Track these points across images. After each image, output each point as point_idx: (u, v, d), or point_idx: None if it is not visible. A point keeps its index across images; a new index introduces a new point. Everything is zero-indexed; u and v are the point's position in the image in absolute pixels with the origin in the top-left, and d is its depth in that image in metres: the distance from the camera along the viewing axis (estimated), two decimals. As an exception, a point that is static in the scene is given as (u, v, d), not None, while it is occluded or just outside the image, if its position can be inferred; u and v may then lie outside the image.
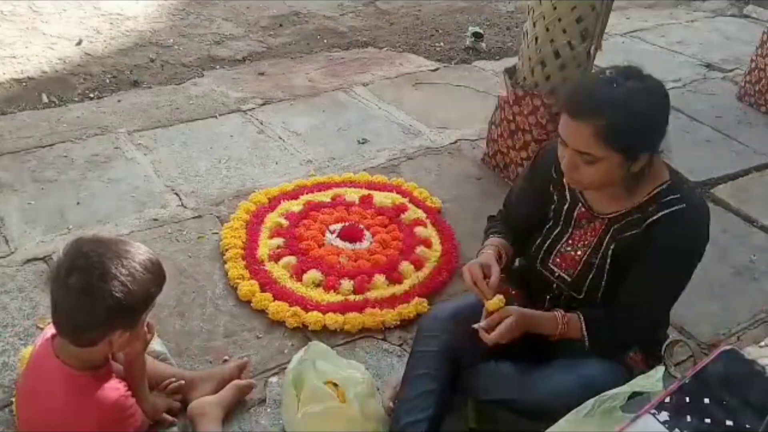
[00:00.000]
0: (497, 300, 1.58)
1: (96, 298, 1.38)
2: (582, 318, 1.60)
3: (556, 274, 1.69)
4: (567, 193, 1.66)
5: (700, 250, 1.56)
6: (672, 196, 1.52)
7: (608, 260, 1.60)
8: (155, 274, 1.49)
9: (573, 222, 1.66)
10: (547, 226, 1.72)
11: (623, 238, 1.57)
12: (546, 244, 1.71)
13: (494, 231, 1.81)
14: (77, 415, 1.48)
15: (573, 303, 1.67)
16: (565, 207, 1.67)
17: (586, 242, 1.64)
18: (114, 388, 1.53)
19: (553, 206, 1.70)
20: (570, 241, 1.67)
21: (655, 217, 1.51)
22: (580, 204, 1.64)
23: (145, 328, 1.57)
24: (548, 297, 1.73)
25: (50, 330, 1.56)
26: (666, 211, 1.51)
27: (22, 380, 1.64)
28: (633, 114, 1.39)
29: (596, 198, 1.62)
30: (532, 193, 1.76)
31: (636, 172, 1.49)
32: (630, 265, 1.57)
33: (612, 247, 1.59)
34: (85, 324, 1.42)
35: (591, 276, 1.63)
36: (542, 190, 1.72)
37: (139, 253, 1.47)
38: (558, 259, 1.69)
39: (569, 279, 1.67)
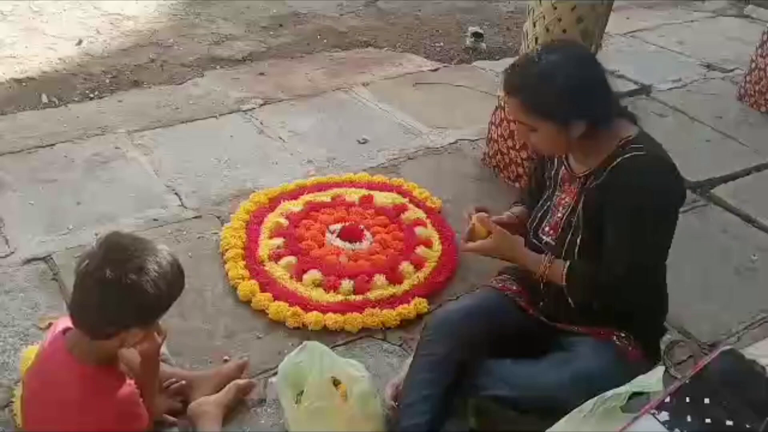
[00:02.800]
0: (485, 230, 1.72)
1: (127, 291, 1.40)
2: (566, 264, 1.66)
3: (544, 242, 1.74)
4: (555, 157, 1.74)
5: (666, 199, 1.59)
6: (634, 145, 1.58)
7: (581, 216, 1.65)
8: (180, 278, 1.53)
9: (557, 185, 1.74)
10: (544, 196, 1.80)
11: (590, 189, 1.63)
12: (539, 213, 1.78)
13: (515, 202, 1.97)
14: (87, 409, 1.48)
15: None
16: (554, 171, 1.75)
17: (565, 204, 1.71)
18: (125, 384, 1.54)
19: (550, 172, 1.79)
20: (555, 206, 1.74)
21: (614, 163, 1.58)
22: (564, 165, 1.72)
23: (156, 332, 1.58)
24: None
25: (60, 325, 1.56)
26: (626, 156, 1.57)
27: (29, 376, 1.63)
28: (548, 85, 1.52)
29: (573, 158, 1.69)
30: (540, 161, 1.87)
31: (583, 135, 1.57)
32: (601, 221, 1.61)
33: (582, 200, 1.65)
34: (109, 316, 1.43)
35: (568, 237, 1.68)
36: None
37: (168, 254, 1.50)
38: (546, 227, 1.75)
39: (553, 243, 1.72)
